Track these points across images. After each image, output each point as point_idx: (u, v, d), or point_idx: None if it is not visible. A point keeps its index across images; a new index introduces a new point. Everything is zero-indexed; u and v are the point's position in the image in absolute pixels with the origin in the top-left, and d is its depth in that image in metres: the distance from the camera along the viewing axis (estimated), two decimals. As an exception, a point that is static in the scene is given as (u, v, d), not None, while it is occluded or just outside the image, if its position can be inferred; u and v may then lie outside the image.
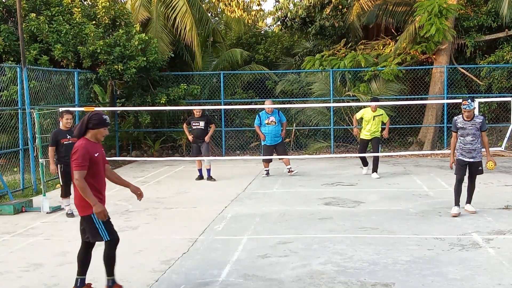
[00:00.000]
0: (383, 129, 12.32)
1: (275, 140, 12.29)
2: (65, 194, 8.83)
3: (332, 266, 5.92)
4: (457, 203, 8.20)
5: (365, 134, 12.04)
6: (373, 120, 11.88)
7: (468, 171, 8.26)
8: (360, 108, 13.22)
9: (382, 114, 12.01)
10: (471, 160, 8.14)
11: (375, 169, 11.99)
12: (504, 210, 8.49)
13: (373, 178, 11.77)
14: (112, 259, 5.25)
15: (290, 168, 12.58)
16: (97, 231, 5.12)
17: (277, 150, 12.45)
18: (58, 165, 8.77)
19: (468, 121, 8.05)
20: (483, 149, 8.37)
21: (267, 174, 12.56)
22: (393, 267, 5.84)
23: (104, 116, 5.16)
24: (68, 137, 8.80)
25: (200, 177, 12.23)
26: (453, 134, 8.29)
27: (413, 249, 6.47)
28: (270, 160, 12.60)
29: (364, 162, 12.25)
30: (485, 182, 10.80)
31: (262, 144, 12.60)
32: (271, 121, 12.23)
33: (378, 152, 12.13)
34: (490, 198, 9.35)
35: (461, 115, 8.17)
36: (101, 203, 5.08)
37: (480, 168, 8.24)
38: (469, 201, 8.42)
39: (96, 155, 5.09)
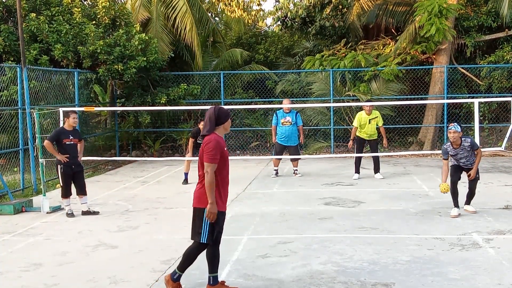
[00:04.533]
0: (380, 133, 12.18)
1: (290, 141, 12.19)
2: (66, 194, 8.76)
3: (332, 266, 5.92)
4: (456, 204, 8.18)
5: (362, 135, 11.86)
6: (369, 123, 11.70)
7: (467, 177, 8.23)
8: (360, 108, 13.16)
9: (377, 117, 11.81)
10: (469, 166, 8.18)
11: (377, 170, 11.95)
12: (504, 210, 8.49)
13: (377, 179, 11.74)
14: (214, 258, 5.12)
15: (297, 170, 12.56)
16: (200, 230, 5.02)
17: (289, 150, 12.41)
18: (58, 166, 8.69)
19: (457, 147, 8.03)
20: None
21: (276, 174, 12.49)
22: (393, 267, 5.84)
23: (225, 107, 5.15)
24: (71, 137, 8.75)
25: (186, 181, 11.82)
26: (444, 161, 8.20)
27: (413, 249, 6.47)
28: (280, 159, 12.57)
29: (357, 167, 11.93)
30: (485, 182, 10.80)
31: (277, 142, 12.36)
32: (287, 121, 12.12)
33: (377, 153, 12.05)
34: (490, 198, 9.35)
35: (449, 143, 8.11)
36: (216, 205, 4.98)
37: (476, 175, 8.19)
38: (468, 202, 8.42)
39: (225, 149, 5.11)
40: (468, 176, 8.14)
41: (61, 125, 10.48)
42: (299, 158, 12.65)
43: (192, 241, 5.20)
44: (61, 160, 8.62)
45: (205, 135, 5.07)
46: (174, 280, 5.19)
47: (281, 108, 12.40)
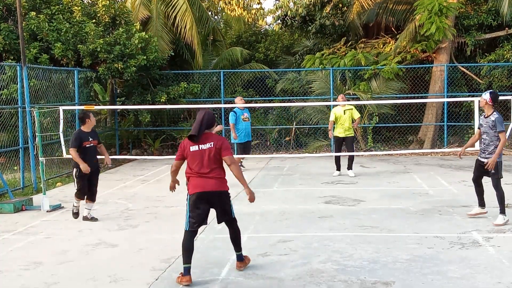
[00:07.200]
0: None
1: (248, 137, 12.29)
2: (80, 196, 8.27)
3: (332, 264, 5.92)
4: (480, 204, 7.89)
5: (338, 132, 11.96)
6: (344, 114, 11.82)
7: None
8: (358, 107, 13.18)
9: (352, 109, 11.99)
10: (484, 160, 7.69)
11: (350, 167, 12.02)
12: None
13: (350, 176, 11.80)
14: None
15: (242, 162, 12.92)
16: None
17: (246, 146, 12.38)
18: (75, 169, 8.16)
19: (486, 118, 7.66)
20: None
21: (241, 165, 12.87)
22: (393, 265, 5.84)
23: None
24: (90, 139, 8.24)
25: None
26: (476, 130, 7.97)
27: (413, 248, 6.48)
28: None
29: (338, 165, 12.12)
30: (485, 181, 10.76)
31: (235, 142, 12.26)
32: (245, 117, 12.26)
33: (353, 152, 12.11)
34: (490, 197, 9.29)
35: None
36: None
37: (493, 171, 7.59)
38: (501, 210, 7.67)
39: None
40: (485, 166, 7.58)
41: (61, 125, 10.50)
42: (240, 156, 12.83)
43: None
44: (85, 171, 8.05)
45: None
46: (243, 259, 5.87)
47: (235, 107, 12.41)
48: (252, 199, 5.58)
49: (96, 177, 8.48)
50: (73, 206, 8.39)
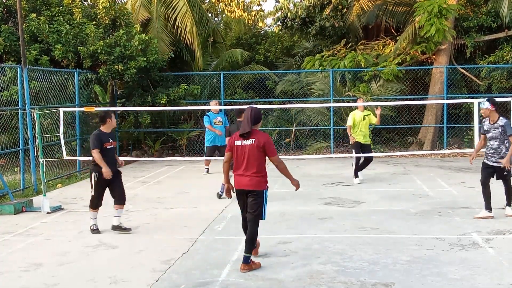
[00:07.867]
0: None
1: (221, 141, 12.15)
2: (96, 205, 7.64)
3: (332, 266, 5.93)
4: (487, 206, 7.95)
5: (358, 138, 11.51)
6: (363, 120, 11.56)
7: (496, 175, 7.97)
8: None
9: (370, 114, 11.78)
10: (494, 164, 7.84)
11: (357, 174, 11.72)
12: (503, 210, 8.45)
13: (360, 179, 11.57)
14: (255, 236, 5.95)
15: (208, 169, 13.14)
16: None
17: (219, 150, 12.19)
18: (93, 173, 7.54)
19: (492, 124, 7.84)
20: None
21: (207, 171, 13.10)
22: (393, 267, 5.85)
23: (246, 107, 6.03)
24: (111, 140, 7.71)
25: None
26: (481, 136, 8.18)
27: (413, 249, 6.48)
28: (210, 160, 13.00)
29: (357, 172, 11.65)
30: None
31: (207, 145, 12.45)
32: (218, 121, 12.33)
33: (371, 157, 11.85)
34: (493, 198, 9.33)
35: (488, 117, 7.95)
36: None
37: (505, 173, 7.81)
38: (508, 203, 8.04)
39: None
40: (502, 167, 7.71)
41: (61, 126, 10.50)
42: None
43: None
44: (107, 176, 7.43)
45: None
46: (249, 262, 5.79)
47: (210, 110, 12.46)
48: (297, 186, 6.09)
49: (119, 183, 7.73)
50: (90, 219, 7.71)
